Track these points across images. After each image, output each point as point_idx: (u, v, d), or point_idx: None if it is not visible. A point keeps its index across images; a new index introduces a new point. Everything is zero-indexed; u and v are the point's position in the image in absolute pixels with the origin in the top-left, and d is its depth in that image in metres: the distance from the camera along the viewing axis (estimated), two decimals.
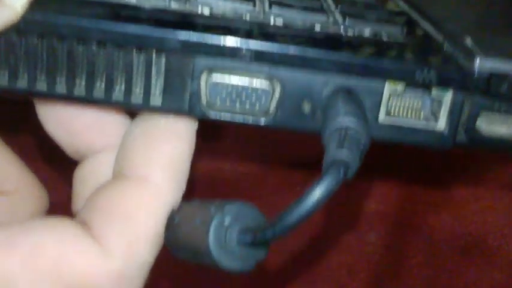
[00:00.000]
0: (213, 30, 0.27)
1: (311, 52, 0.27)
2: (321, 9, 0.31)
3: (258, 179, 0.59)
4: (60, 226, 0.27)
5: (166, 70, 0.27)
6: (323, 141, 0.25)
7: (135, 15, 0.27)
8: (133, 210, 0.27)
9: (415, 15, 0.34)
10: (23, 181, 0.33)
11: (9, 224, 0.27)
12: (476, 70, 0.27)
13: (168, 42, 0.26)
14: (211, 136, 0.57)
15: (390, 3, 0.38)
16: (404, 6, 0.36)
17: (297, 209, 0.23)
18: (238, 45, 0.26)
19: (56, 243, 0.26)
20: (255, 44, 0.26)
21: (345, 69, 0.27)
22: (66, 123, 0.31)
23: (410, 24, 0.32)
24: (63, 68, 0.27)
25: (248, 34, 0.27)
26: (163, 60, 0.27)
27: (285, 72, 0.27)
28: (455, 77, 0.27)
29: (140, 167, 0.28)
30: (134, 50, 0.27)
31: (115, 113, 0.31)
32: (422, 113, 0.28)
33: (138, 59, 0.27)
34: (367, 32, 0.29)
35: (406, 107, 0.28)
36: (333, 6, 0.33)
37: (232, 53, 0.27)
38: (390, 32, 0.30)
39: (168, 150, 0.28)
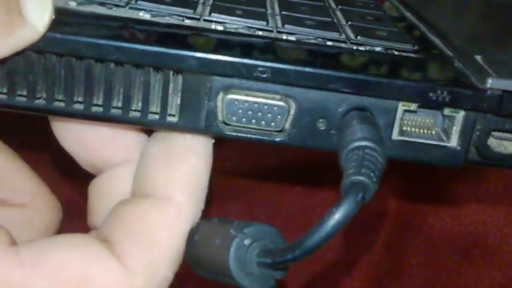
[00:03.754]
0: (229, 51, 0.27)
1: (326, 73, 0.27)
2: (332, 24, 0.32)
3: (258, 179, 0.60)
4: (84, 244, 0.27)
5: (183, 89, 0.27)
6: (340, 162, 0.26)
7: (151, 32, 0.28)
8: (156, 229, 0.28)
9: (420, 25, 0.34)
10: (37, 193, 0.33)
11: (35, 240, 0.27)
12: (489, 90, 0.27)
13: (185, 62, 0.27)
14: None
15: (387, 3, 0.39)
16: (403, 10, 0.37)
17: (316, 232, 0.24)
18: (255, 66, 0.27)
19: (80, 260, 0.27)
20: (271, 65, 0.27)
21: (359, 90, 0.27)
22: (82, 139, 0.31)
23: (421, 40, 0.32)
24: (80, 87, 0.28)
25: (263, 54, 0.28)
26: (180, 79, 0.27)
27: (300, 91, 0.27)
28: (468, 97, 0.27)
29: (162, 186, 0.29)
30: (152, 69, 0.27)
31: (131, 128, 0.31)
32: (434, 131, 0.29)
33: (155, 78, 0.28)
34: (378, 48, 0.30)
35: (418, 125, 0.29)
36: (343, 21, 0.33)
37: (249, 73, 0.27)
38: (401, 48, 0.30)
39: (188, 169, 0.29)
